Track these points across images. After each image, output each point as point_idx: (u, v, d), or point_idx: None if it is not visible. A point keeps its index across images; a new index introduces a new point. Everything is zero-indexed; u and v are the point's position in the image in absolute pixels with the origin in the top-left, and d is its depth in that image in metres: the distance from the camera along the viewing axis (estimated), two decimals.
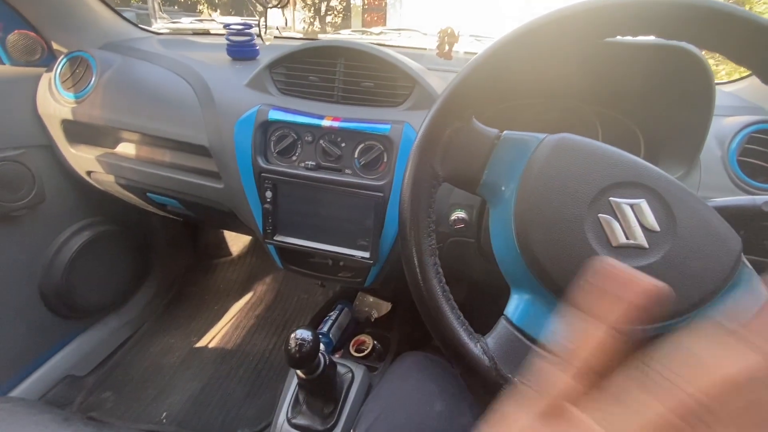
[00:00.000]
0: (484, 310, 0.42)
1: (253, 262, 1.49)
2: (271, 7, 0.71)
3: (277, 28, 0.81)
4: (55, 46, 0.90)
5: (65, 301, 1.01)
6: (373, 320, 1.06)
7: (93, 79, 0.83)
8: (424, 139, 0.39)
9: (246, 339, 1.24)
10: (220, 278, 1.44)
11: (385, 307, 1.08)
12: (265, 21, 0.72)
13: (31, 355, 0.99)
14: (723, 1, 0.34)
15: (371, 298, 1.09)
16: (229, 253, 1.52)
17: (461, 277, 1.11)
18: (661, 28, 0.35)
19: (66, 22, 0.90)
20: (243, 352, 1.19)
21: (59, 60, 0.86)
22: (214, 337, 1.24)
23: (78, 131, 0.87)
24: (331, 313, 1.01)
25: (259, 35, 0.77)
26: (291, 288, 1.40)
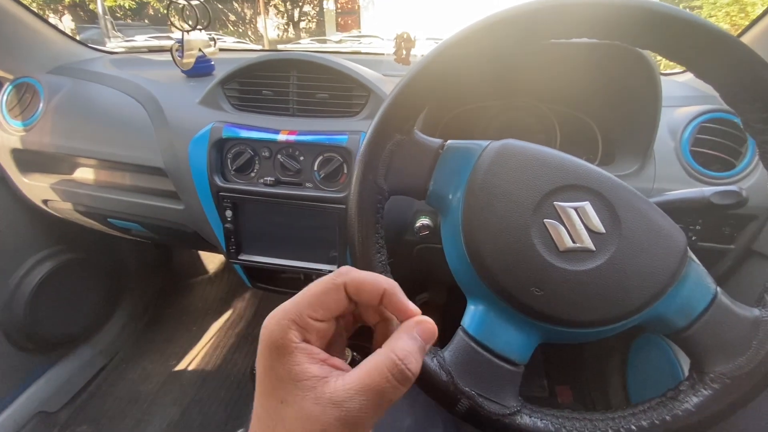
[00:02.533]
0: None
1: (231, 278, 1.46)
2: (188, 30, 0.69)
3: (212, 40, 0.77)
4: (0, 73, 0.86)
5: (30, 335, 0.97)
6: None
7: (41, 105, 0.80)
8: (365, 155, 0.38)
9: (227, 358, 1.21)
10: (197, 297, 1.41)
11: None
12: (182, 43, 0.69)
13: None
14: (651, 0, 0.34)
15: None
16: (206, 271, 1.49)
17: (438, 280, 1.11)
18: (593, 30, 0.35)
19: (10, 47, 0.86)
20: (224, 372, 1.16)
21: (5, 87, 0.83)
22: (193, 359, 1.21)
23: (30, 160, 0.84)
24: None
25: (174, 60, 0.74)
26: (272, 302, 1.38)
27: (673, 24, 0.33)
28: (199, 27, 0.70)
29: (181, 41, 0.71)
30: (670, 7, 0.33)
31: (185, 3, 0.65)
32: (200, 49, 0.73)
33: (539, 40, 0.36)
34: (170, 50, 0.72)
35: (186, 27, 0.68)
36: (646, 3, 0.33)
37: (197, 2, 0.65)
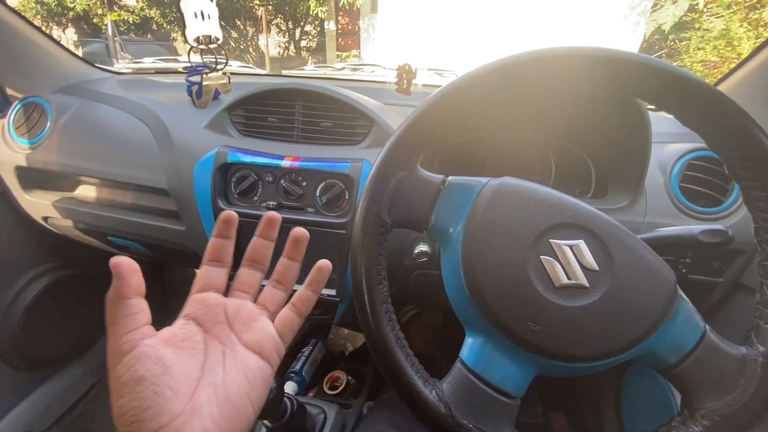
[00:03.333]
0: (461, 336, 0.42)
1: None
2: (207, 73, 0.71)
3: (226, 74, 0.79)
4: (9, 91, 0.88)
5: (22, 352, 0.95)
6: (347, 353, 1.04)
7: (48, 124, 0.81)
8: (370, 190, 0.40)
9: None
10: None
11: (360, 338, 1.06)
12: (200, 84, 0.72)
13: None
14: (639, 53, 0.37)
15: (346, 331, 1.07)
16: None
17: (435, 304, 1.11)
18: (588, 79, 0.38)
19: (20, 66, 0.88)
20: None
21: (13, 106, 0.84)
22: None
23: (33, 177, 0.85)
24: (305, 349, 0.98)
25: (193, 102, 0.76)
26: None
27: (657, 76, 0.35)
28: (218, 68, 0.72)
29: (199, 83, 0.73)
30: (651, 59, 0.36)
31: (206, 47, 0.67)
32: (217, 89, 0.76)
33: (543, 83, 0.38)
34: (190, 93, 0.74)
35: (206, 70, 0.70)
36: (632, 55, 0.36)
37: (215, 45, 0.68)
